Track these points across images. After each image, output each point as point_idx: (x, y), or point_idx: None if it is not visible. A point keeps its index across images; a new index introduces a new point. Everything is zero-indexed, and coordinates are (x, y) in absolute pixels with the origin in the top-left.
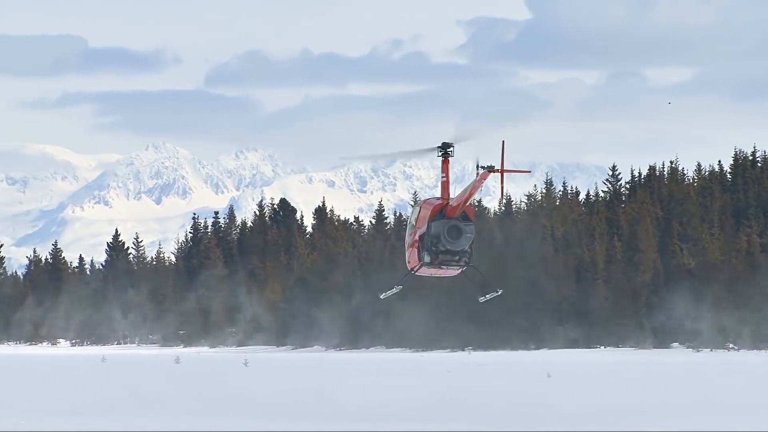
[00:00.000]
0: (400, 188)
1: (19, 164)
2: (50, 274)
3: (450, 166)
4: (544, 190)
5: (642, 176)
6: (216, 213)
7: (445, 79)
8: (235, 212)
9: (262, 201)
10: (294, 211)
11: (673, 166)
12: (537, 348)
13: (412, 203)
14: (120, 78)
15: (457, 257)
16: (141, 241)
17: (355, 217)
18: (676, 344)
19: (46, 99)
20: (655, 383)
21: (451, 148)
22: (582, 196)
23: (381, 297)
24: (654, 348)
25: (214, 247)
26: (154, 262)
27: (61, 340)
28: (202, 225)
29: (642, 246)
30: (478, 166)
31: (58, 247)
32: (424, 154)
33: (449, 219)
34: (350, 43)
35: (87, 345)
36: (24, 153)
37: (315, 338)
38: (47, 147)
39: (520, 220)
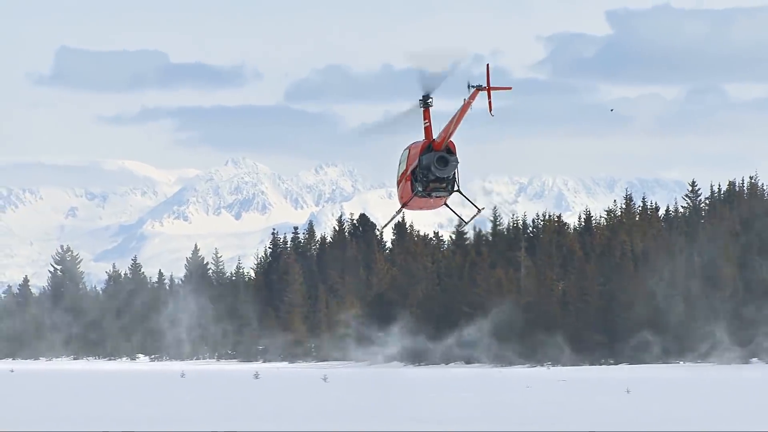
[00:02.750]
0: (480, 203)
1: (98, 179)
2: (130, 290)
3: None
4: (623, 206)
5: (722, 192)
6: (295, 228)
7: (525, 94)
8: (314, 228)
9: (341, 216)
10: (373, 226)
11: (753, 181)
12: (616, 363)
13: (492, 219)
14: (200, 93)
15: (445, 184)
16: (220, 257)
17: (434, 232)
18: (755, 360)
19: (125, 114)
20: (733, 398)
21: (430, 99)
22: (662, 212)
23: (381, 228)
24: (733, 363)
25: (294, 263)
26: (233, 278)
27: (140, 355)
28: (281, 240)
29: (721, 261)
30: (469, 86)
31: (137, 262)
32: (409, 114)
33: (437, 152)
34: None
35: (166, 360)
36: (103, 168)
37: (394, 353)
38: (127, 162)
39: (599, 235)
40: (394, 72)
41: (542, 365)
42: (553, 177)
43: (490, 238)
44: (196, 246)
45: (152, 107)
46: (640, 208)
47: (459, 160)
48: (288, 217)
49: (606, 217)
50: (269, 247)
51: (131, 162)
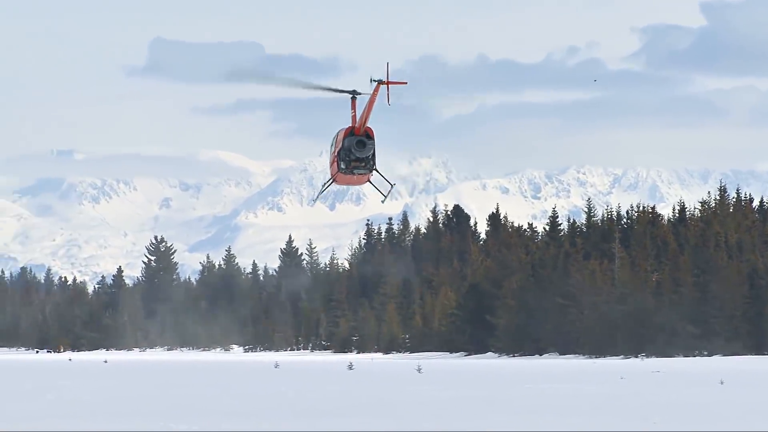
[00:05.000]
0: (574, 194)
1: (192, 170)
2: (223, 280)
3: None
4: (717, 197)
5: None
6: (390, 219)
7: (619, 86)
8: (408, 219)
9: (435, 207)
10: (468, 217)
11: None
12: (710, 354)
13: (586, 210)
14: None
15: (364, 163)
16: (314, 248)
17: (528, 223)
18: None
19: (220, 105)
20: None
21: (360, 94)
22: (756, 203)
23: (313, 200)
24: None
25: (388, 254)
26: (328, 269)
27: (234, 345)
28: (375, 231)
29: None
30: (371, 80)
31: (231, 253)
32: (334, 93)
33: (356, 136)
34: (526, 50)
35: (260, 351)
36: (198, 159)
37: (488, 345)
38: (221, 153)
39: (693, 227)
40: (488, 63)
41: (636, 356)
42: (647, 168)
43: (585, 230)
44: (290, 237)
45: (248, 98)
46: (734, 200)
47: (375, 144)
48: (382, 208)
49: (700, 208)
50: (363, 238)
51: (226, 153)
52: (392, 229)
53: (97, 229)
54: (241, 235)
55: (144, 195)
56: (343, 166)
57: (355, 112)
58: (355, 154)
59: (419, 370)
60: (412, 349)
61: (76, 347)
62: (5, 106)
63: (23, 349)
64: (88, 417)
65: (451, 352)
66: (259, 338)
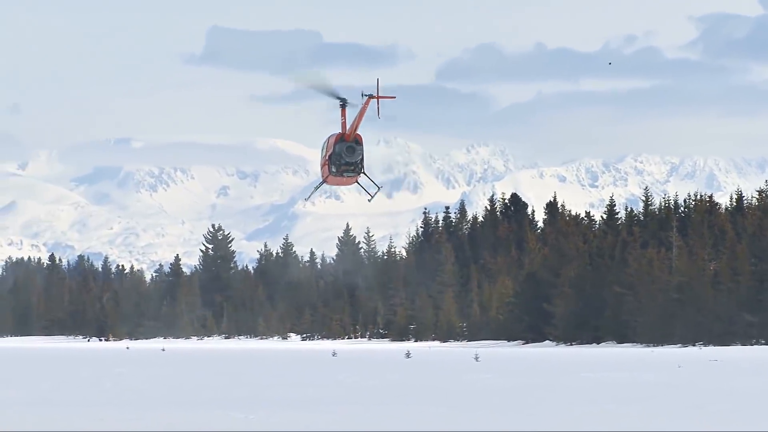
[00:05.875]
0: (631, 183)
1: (250, 158)
2: (281, 269)
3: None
4: None
5: None
6: (447, 208)
7: (677, 75)
8: (466, 207)
9: (493, 196)
10: (525, 206)
11: None
12: (767, 343)
13: (643, 198)
14: (353, 73)
15: (353, 167)
16: (372, 236)
17: (586, 212)
18: None
19: (278, 93)
20: None
21: (348, 102)
22: None
23: (305, 200)
24: None
25: (445, 242)
26: (385, 257)
27: (291, 334)
28: (432, 220)
29: None
30: (362, 95)
31: (288, 241)
32: (323, 97)
33: (346, 142)
34: (584, 38)
35: (317, 339)
36: (255, 147)
37: (545, 333)
38: (279, 141)
39: (751, 215)
40: (546, 52)
41: (694, 345)
42: (704, 157)
43: (642, 218)
44: (347, 225)
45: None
46: None
47: (363, 150)
48: (439, 196)
49: (757, 197)
50: (421, 227)
51: (283, 141)
52: (449, 217)
53: (154, 218)
54: (298, 224)
55: (201, 183)
56: (333, 169)
57: (344, 119)
58: (345, 159)
59: (477, 358)
60: (470, 338)
61: (133, 336)
62: (63, 95)
63: (80, 337)
64: (145, 405)
65: (508, 341)
66: (317, 327)
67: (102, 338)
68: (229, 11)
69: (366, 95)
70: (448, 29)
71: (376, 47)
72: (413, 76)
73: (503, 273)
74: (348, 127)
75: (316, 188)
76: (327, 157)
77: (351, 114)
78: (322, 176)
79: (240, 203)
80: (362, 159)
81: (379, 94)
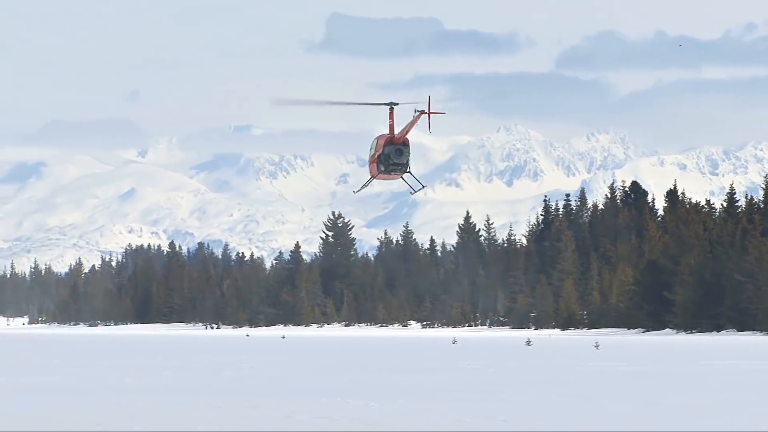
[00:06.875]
0: (752, 171)
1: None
2: (401, 256)
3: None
4: None
5: None
6: (567, 195)
7: None
8: (586, 195)
9: (613, 183)
10: (645, 193)
11: None
12: None
13: (764, 186)
14: (473, 60)
15: (400, 167)
16: (492, 224)
17: (706, 200)
18: None
19: (398, 81)
20: None
21: (397, 104)
22: None
23: (354, 192)
24: None
25: (565, 230)
26: (505, 245)
27: (411, 321)
28: (553, 207)
29: None
30: (415, 111)
31: (408, 228)
32: (369, 106)
33: (395, 144)
34: (704, 26)
35: (437, 327)
36: (375, 134)
37: (665, 321)
38: None
39: None
40: (667, 39)
41: None
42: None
43: (762, 206)
44: (467, 213)
45: (425, 74)
46: None
47: (410, 152)
48: (560, 184)
49: None
50: (541, 214)
51: None
52: (570, 205)
53: (274, 205)
54: (418, 211)
55: (321, 170)
56: (382, 168)
57: (392, 121)
58: (393, 160)
59: (597, 346)
60: (590, 326)
61: (253, 323)
62: (183, 82)
63: (200, 324)
64: (264, 392)
65: (628, 329)
66: (437, 314)
67: (212, 326)
68: None
69: (418, 111)
70: (569, 16)
71: (495, 35)
72: (533, 63)
73: (623, 261)
74: (398, 131)
75: (366, 184)
76: (376, 157)
77: (398, 117)
78: (371, 173)
79: (361, 190)
80: (409, 160)
81: (430, 110)
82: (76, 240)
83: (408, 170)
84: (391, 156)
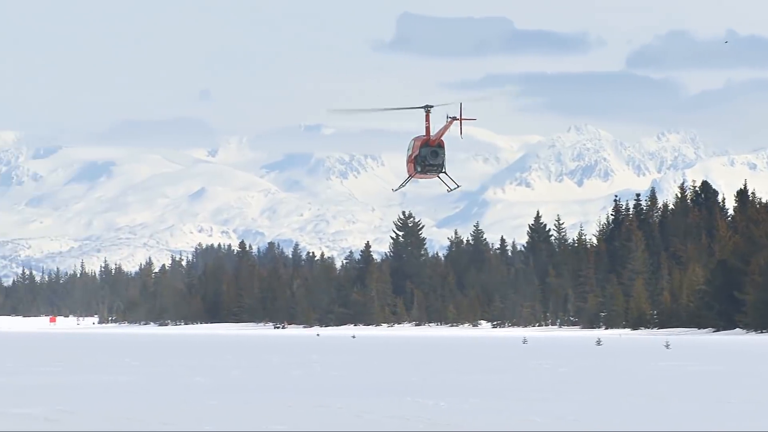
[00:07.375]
0: None
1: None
2: (471, 255)
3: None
4: None
5: None
6: (637, 195)
7: None
8: (656, 194)
9: (683, 183)
10: (716, 193)
11: None
12: None
13: None
14: (544, 60)
15: (436, 167)
16: (562, 223)
17: None
18: None
19: (469, 80)
20: None
21: (432, 107)
22: None
23: (393, 190)
24: None
25: (636, 230)
26: (576, 244)
27: (482, 321)
28: (623, 207)
29: None
30: (447, 117)
31: (479, 228)
32: (408, 111)
33: (431, 146)
34: None
35: (507, 327)
36: (446, 134)
37: (736, 321)
38: (469, 128)
39: None
40: (737, 38)
41: None
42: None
43: None
44: (538, 212)
45: (496, 73)
46: None
47: (445, 153)
48: (630, 183)
49: None
50: (611, 214)
51: (473, 128)
52: (640, 204)
53: (344, 204)
54: (489, 211)
55: (392, 170)
56: (419, 168)
57: (428, 123)
58: (429, 161)
59: (667, 345)
60: (660, 325)
61: (323, 323)
62: (254, 82)
63: (270, 324)
64: (334, 391)
65: (698, 328)
66: (507, 314)
67: (278, 325)
68: None
69: (450, 117)
70: (639, 16)
71: (567, 34)
72: (604, 63)
73: (694, 260)
74: (433, 134)
75: (404, 183)
76: (413, 158)
77: (434, 120)
78: (408, 172)
79: (430, 190)
80: (444, 161)
81: (462, 117)
82: (147, 239)
83: (443, 170)
84: (427, 157)
